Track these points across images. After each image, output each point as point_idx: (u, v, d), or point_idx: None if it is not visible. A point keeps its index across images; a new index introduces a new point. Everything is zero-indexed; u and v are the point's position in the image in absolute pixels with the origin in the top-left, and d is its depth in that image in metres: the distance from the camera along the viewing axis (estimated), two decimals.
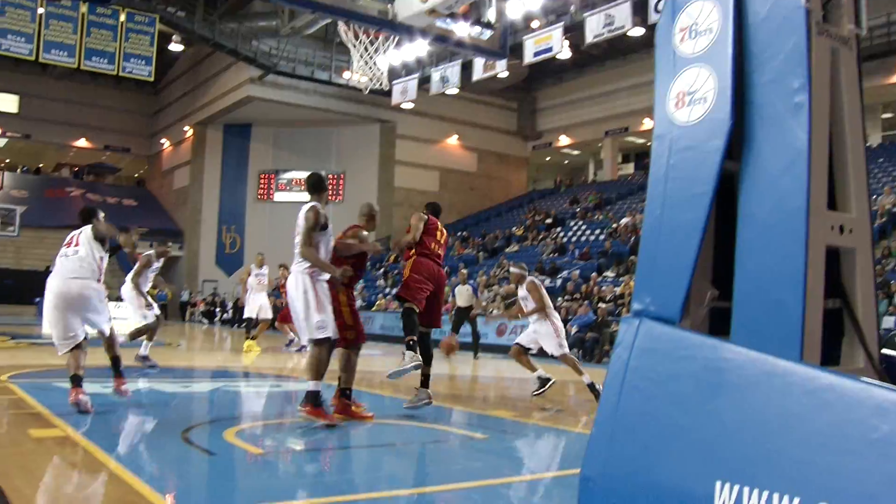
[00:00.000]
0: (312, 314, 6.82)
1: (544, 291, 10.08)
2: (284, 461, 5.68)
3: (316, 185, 7.21)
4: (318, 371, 6.82)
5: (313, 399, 6.75)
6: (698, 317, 3.39)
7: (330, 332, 6.89)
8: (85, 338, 7.36)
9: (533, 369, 9.93)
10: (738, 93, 3.21)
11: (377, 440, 6.89)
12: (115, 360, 7.88)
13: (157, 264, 12.08)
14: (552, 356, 10.10)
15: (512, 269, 10.49)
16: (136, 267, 11.79)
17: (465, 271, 22.19)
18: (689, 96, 3.34)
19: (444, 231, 8.26)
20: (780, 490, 2.62)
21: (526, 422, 7.99)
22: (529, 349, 10.09)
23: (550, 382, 9.75)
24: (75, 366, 7.15)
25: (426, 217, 8.24)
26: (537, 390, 9.75)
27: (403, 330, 7.70)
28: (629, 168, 43.87)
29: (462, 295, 19.26)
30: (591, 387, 9.62)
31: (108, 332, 7.71)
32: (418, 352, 7.66)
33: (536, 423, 8.00)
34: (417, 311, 7.73)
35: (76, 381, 7.09)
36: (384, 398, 9.52)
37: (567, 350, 10.04)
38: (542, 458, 6.36)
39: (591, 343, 18.90)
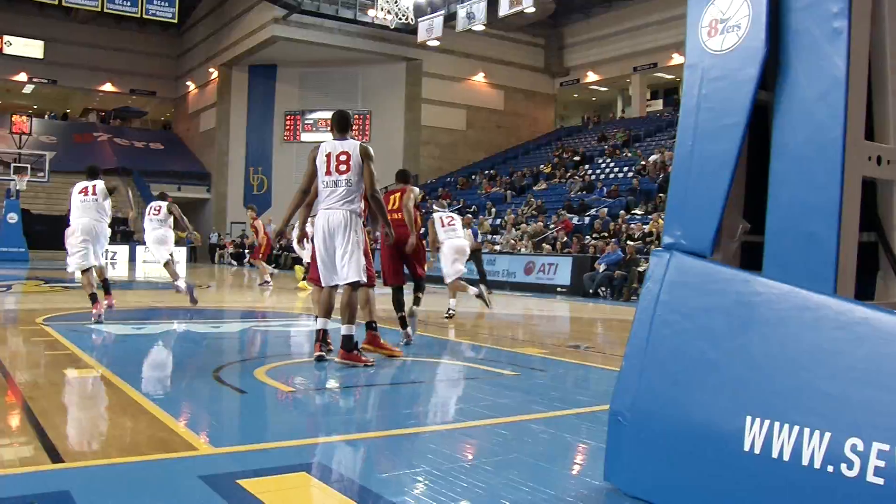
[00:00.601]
0: (361, 257, 6.82)
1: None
2: (314, 399, 5.72)
3: (345, 123, 7.09)
4: (354, 314, 6.87)
5: (348, 343, 6.79)
6: (730, 250, 3.34)
7: (367, 276, 7.03)
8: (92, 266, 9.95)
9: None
10: (773, 19, 3.11)
11: (406, 377, 6.93)
12: (105, 282, 10.62)
13: None
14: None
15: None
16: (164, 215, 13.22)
17: (469, 216, 22.98)
18: (722, 24, 3.24)
19: (397, 194, 8.73)
20: (812, 425, 2.59)
21: (556, 359, 8.00)
22: None
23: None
24: (90, 285, 9.80)
25: None
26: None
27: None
28: (658, 104, 43.36)
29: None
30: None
31: (101, 263, 10.39)
32: (409, 324, 8.69)
33: (566, 360, 8.00)
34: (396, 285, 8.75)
35: (94, 298, 9.74)
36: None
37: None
38: (571, 395, 6.36)
39: (620, 281, 18.85)
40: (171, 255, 13.06)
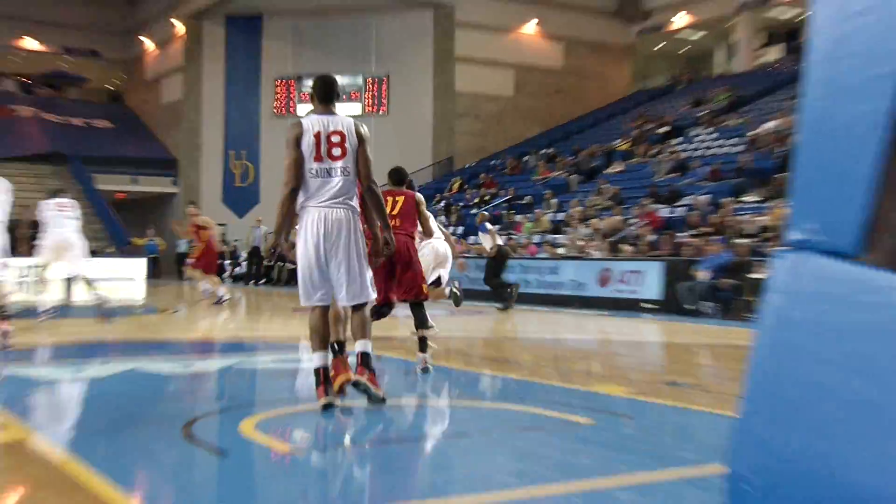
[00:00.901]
0: (369, 269, 6.95)
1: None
2: (320, 461, 5.69)
3: (332, 92, 7.11)
4: (370, 330, 7.05)
5: (369, 361, 6.90)
6: (887, 248, 3.25)
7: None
8: None
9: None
10: None
11: (447, 428, 6.89)
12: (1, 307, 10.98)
13: None
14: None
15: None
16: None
17: (485, 212, 23.87)
18: None
19: (401, 198, 9.01)
20: None
21: (646, 400, 7.92)
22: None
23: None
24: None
25: None
26: None
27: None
28: (773, 53, 43.11)
29: (485, 241, 21.24)
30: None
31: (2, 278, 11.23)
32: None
33: (660, 401, 7.92)
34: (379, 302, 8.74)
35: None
36: (450, 371, 9.50)
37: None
38: (670, 450, 6.28)
39: (729, 293, 18.69)
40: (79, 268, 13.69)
